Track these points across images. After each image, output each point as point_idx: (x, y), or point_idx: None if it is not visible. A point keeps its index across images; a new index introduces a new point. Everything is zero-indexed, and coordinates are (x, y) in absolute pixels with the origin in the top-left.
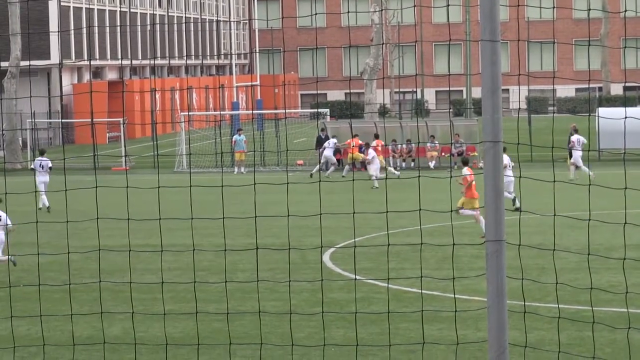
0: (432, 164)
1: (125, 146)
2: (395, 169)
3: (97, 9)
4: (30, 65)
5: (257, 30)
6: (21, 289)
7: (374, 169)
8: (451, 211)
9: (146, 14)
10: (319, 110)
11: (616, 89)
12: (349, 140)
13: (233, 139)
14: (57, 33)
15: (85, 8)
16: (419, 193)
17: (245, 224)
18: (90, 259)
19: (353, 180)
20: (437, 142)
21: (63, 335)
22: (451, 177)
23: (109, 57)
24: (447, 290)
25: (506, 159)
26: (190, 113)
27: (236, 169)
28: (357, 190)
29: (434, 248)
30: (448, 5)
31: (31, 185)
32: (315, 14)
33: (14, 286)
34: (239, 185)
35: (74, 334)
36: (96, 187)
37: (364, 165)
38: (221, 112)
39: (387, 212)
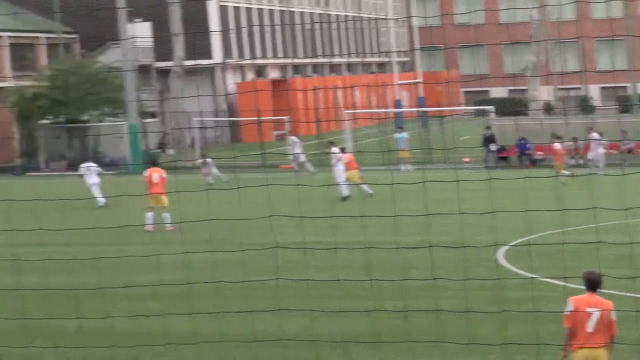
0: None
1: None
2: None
3: (256, 9)
4: (194, 65)
5: (416, 28)
6: (200, 287)
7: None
8: (626, 209)
9: (304, 12)
10: (484, 107)
11: None
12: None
13: (394, 137)
14: (218, 33)
15: (244, 7)
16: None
17: (414, 222)
18: (265, 255)
19: (525, 177)
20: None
21: (245, 332)
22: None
23: (269, 55)
24: (631, 290)
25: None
26: (355, 111)
27: (402, 167)
28: (526, 188)
29: (610, 247)
30: (607, 0)
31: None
32: (475, 10)
33: (193, 283)
34: (407, 183)
35: (255, 330)
36: (267, 184)
37: (532, 162)
38: (385, 110)
39: (561, 209)
